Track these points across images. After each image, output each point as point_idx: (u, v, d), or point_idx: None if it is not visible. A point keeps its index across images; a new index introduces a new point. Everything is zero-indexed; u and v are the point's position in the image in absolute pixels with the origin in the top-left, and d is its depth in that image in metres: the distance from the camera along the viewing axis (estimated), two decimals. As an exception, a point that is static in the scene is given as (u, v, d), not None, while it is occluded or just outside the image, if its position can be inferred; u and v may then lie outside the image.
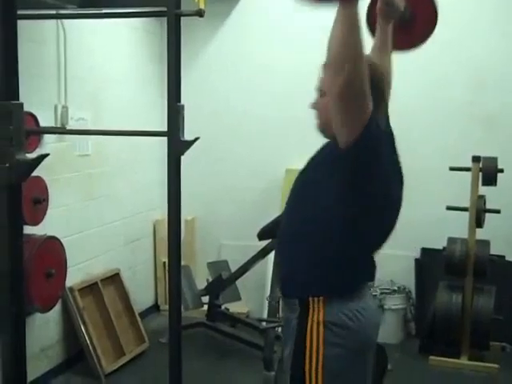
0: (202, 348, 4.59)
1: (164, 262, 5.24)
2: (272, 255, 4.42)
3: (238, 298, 4.90)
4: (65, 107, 4.00)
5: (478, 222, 4.33)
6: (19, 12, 1.66)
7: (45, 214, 3.69)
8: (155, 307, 5.41)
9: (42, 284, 3.51)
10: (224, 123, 5.24)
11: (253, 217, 4.93)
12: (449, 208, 4.39)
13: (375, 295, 4.61)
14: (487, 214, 4.37)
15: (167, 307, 2.72)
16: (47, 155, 1.69)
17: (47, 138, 3.84)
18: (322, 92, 2.03)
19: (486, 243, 4.36)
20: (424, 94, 4.81)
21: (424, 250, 4.87)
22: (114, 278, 4.56)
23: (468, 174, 4.35)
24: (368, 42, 2.02)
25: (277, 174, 4.92)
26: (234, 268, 4.70)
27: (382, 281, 4.67)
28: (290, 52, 5.00)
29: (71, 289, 4.05)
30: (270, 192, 5.02)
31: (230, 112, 5.25)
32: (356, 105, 1.80)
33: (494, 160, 4.31)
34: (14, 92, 1.63)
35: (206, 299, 4.78)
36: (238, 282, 4.78)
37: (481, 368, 4.27)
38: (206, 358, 4.40)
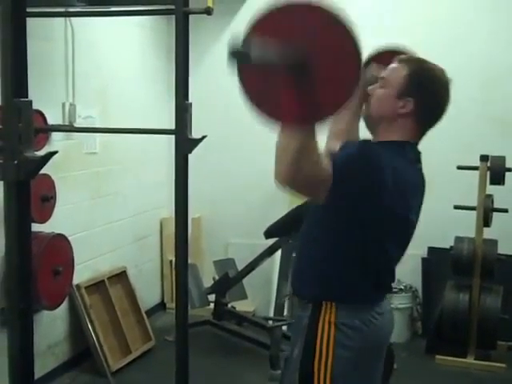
0: (209, 346, 4.58)
1: (171, 260, 5.25)
2: (279, 254, 4.42)
3: (245, 297, 4.90)
4: (72, 105, 4.01)
5: (486, 221, 4.32)
6: (28, 10, 1.66)
7: (52, 211, 3.70)
8: (162, 305, 5.41)
9: (49, 281, 3.52)
10: (232, 121, 5.22)
11: (260, 215, 4.93)
12: (456, 207, 4.37)
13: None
14: (495, 213, 4.36)
15: (174, 305, 2.73)
16: (55, 153, 1.68)
17: (55, 135, 3.85)
18: (385, 82, 1.92)
19: (493, 242, 4.35)
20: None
21: (431, 249, 4.85)
22: (121, 276, 4.57)
23: (476, 173, 4.34)
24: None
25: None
26: (240, 266, 4.70)
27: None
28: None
29: (78, 286, 4.06)
30: (278, 190, 4.97)
31: (238, 110, 5.20)
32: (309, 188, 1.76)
33: (502, 159, 4.29)
34: (23, 90, 1.63)
35: (212, 297, 4.78)
36: (245, 281, 4.77)
37: (487, 367, 4.26)
38: (212, 356, 4.40)
